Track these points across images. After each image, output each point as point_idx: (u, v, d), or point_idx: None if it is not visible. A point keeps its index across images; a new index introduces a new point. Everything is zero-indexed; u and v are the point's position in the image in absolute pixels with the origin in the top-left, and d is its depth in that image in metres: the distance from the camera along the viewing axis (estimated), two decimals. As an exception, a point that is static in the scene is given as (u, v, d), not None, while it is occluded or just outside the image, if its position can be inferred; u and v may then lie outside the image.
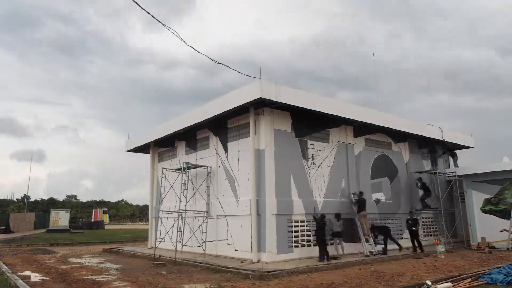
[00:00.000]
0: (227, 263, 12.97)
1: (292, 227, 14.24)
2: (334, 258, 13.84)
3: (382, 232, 15.99)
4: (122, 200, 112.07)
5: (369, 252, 15.08)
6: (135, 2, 8.05)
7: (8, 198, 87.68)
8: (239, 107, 13.92)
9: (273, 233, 13.61)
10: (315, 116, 15.14)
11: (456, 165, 21.80)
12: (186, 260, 14.27)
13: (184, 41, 9.73)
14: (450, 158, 22.38)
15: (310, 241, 14.57)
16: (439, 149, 21.80)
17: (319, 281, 10.12)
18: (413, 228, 16.88)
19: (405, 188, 19.60)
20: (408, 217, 17.51)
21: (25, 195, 77.87)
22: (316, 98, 14.73)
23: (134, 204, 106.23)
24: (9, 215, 46.15)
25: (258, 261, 13.23)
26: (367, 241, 15.41)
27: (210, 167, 16.79)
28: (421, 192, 19.56)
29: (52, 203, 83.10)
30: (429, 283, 8.86)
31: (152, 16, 8.70)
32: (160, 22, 8.99)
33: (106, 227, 56.98)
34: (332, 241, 14.78)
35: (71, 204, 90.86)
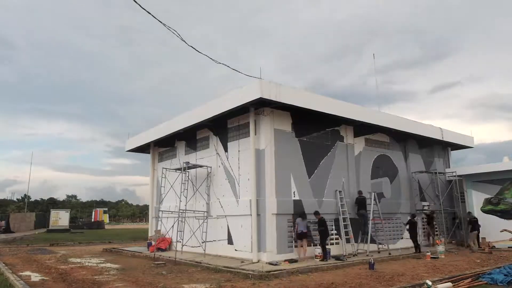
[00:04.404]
0: (227, 263, 12.97)
1: (292, 227, 14.23)
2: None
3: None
4: (122, 200, 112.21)
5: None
6: (136, 1, 8.04)
7: (8, 198, 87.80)
8: (239, 107, 13.91)
9: (273, 233, 13.60)
10: (315, 116, 15.13)
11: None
12: (186, 260, 14.26)
13: (184, 41, 9.71)
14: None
15: (311, 241, 14.56)
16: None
17: (319, 281, 10.12)
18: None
19: (405, 187, 19.60)
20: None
21: (25, 195, 77.87)
22: (316, 98, 14.73)
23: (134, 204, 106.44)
24: (9, 215, 46.15)
25: (258, 261, 13.23)
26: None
27: (210, 167, 16.78)
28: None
29: (52, 203, 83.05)
30: (429, 283, 8.86)
31: (153, 17, 8.69)
32: (161, 22, 8.98)
33: (106, 227, 56.94)
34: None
35: (71, 204, 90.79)
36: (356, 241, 15.77)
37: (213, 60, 10.94)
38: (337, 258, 13.99)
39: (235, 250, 14.70)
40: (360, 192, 16.67)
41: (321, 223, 13.98)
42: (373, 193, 17.01)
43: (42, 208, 75.50)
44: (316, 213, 14.29)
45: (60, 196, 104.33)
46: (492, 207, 18.96)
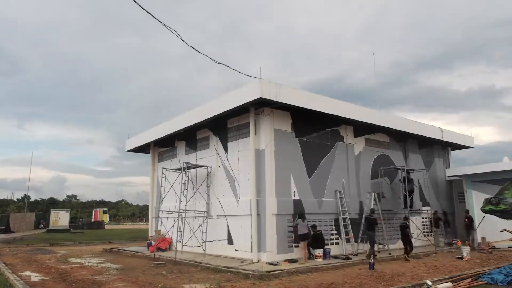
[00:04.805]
0: (227, 263, 12.97)
1: (292, 227, 14.22)
2: None
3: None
4: (122, 200, 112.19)
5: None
6: (135, 1, 8.04)
7: (8, 198, 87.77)
8: (239, 107, 13.91)
9: (273, 233, 13.60)
10: (315, 116, 15.13)
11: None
12: (186, 260, 14.26)
13: (184, 41, 9.71)
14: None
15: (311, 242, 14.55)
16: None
17: (319, 281, 10.12)
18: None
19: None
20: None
21: (25, 195, 77.89)
22: (316, 98, 14.73)
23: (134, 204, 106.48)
24: (9, 215, 46.14)
25: (258, 261, 13.22)
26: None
27: (210, 167, 16.78)
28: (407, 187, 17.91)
29: (52, 203, 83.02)
30: (429, 283, 8.86)
31: (153, 16, 8.69)
32: (160, 22, 8.97)
33: (106, 227, 56.92)
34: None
35: (71, 204, 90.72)
36: (356, 241, 15.77)
37: (213, 60, 10.93)
38: (337, 258, 13.99)
39: (235, 250, 14.70)
40: (372, 211, 15.71)
41: (318, 236, 13.98)
42: (373, 193, 16.97)
43: (42, 208, 75.46)
44: (313, 227, 14.15)
45: (60, 196, 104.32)
46: (492, 207, 18.96)
